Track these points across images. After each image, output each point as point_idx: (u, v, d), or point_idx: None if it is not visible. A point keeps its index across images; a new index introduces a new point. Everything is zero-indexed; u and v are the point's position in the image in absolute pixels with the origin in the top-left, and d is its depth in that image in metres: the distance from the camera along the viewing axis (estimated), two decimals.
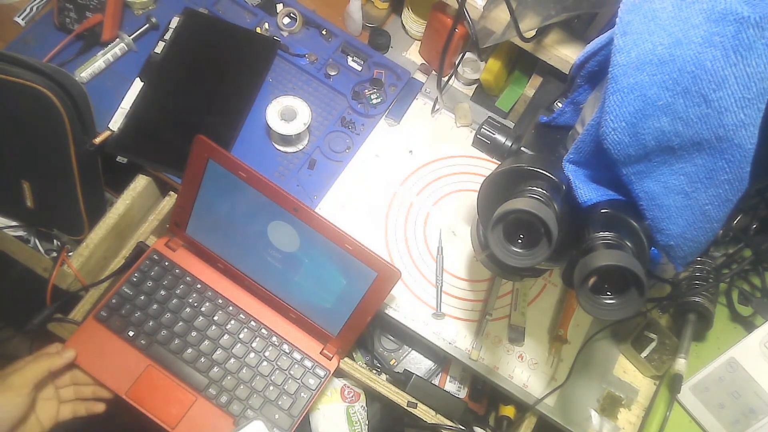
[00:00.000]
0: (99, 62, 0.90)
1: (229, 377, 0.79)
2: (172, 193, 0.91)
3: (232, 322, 0.82)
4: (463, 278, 0.88)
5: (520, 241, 0.51)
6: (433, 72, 0.99)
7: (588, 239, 0.51)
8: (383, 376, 0.89)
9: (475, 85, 0.99)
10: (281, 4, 0.99)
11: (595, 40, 0.58)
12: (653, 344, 0.84)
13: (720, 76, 0.44)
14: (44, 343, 0.76)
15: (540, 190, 0.54)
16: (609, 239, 0.50)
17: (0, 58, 0.78)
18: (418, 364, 0.97)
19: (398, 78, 0.97)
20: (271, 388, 0.80)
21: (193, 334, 0.81)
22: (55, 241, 0.90)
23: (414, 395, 0.84)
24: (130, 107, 0.88)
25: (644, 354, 0.84)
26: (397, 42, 1.02)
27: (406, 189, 0.92)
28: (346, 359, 0.85)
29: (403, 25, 1.02)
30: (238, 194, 0.77)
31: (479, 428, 0.88)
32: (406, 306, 0.85)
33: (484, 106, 0.99)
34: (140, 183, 0.89)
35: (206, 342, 0.81)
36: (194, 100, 0.91)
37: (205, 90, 0.92)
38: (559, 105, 0.65)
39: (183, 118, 0.90)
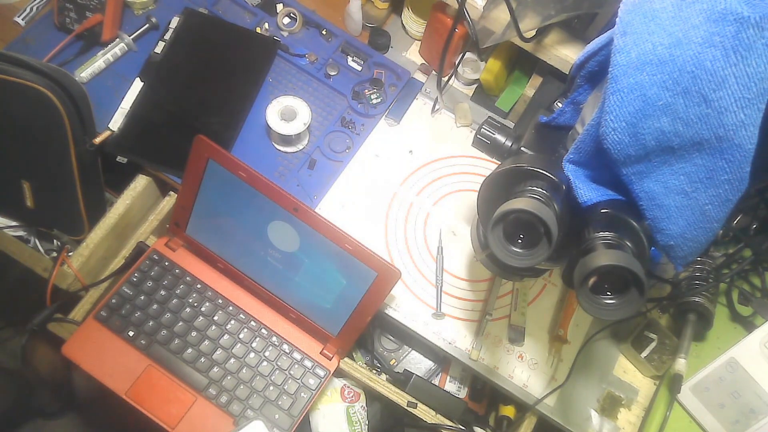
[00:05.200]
0: (99, 62, 0.90)
1: (229, 377, 0.79)
2: (172, 193, 0.91)
3: (232, 322, 0.82)
4: (463, 278, 0.88)
5: (520, 241, 0.51)
6: (433, 72, 0.99)
7: (588, 239, 0.51)
8: (383, 376, 0.89)
9: (475, 85, 0.99)
10: (281, 4, 0.99)
11: (595, 40, 0.58)
12: (653, 344, 0.84)
13: (720, 76, 0.44)
14: (44, 343, 0.76)
15: (540, 190, 0.54)
16: (609, 239, 0.50)
17: (0, 58, 0.78)
18: (418, 364, 0.97)
19: (398, 78, 0.97)
20: (271, 388, 0.80)
21: (193, 334, 0.81)
22: (55, 241, 0.90)
23: (414, 395, 0.84)
24: (130, 107, 0.88)
25: (644, 354, 0.84)
26: (397, 42, 1.02)
27: (406, 189, 0.92)
28: (346, 359, 0.84)
29: (403, 25, 1.02)
30: (238, 194, 0.77)
31: (479, 428, 0.88)
32: (406, 306, 0.85)
33: (484, 106, 0.99)
34: (140, 183, 0.89)
35: (206, 342, 0.81)
36: (194, 100, 0.91)
37: (205, 90, 0.92)
38: (559, 105, 0.65)
39: (183, 118, 0.90)
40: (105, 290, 0.87)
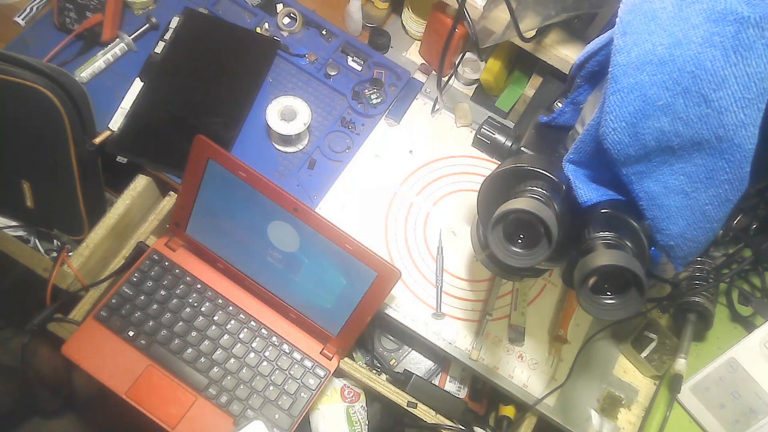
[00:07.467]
0: (99, 62, 0.90)
1: (229, 377, 0.79)
2: (172, 193, 0.91)
3: (232, 322, 0.82)
4: (463, 278, 0.88)
5: (520, 241, 0.51)
6: (433, 72, 0.99)
7: (588, 239, 0.51)
8: (383, 376, 0.89)
9: (475, 85, 0.99)
10: (281, 4, 0.99)
11: (595, 40, 0.58)
12: (653, 344, 0.84)
13: (720, 76, 0.44)
14: (44, 343, 0.76)
15: (540, 190, 0.54)
16: (609, 239, 0.50)
17: (0, 58, 0.78)
18: (418, 364, 0.97)
19: (398, 78, 0.97)
20: (271, 388, 0.80)
21: (193, 334, 0.81)
22: (55, 241, 0.90)
23: (414, 395, 0.84)
24: (130, 107, 0.88)
25: (644, 354, 0.84)
26: (397, 42, 1.02)
27: (406, 189, 0.92)
28: (346, 359, 0.84)
29: (403, 25, 1.02)
30: (238, 194, 0.77)
31: (479, 428, 0.88)
32: (406, 306, 0.85)
33: (484, 106, 0.99)
34: (140, 183, 0.89)
35: (206, 342, 0.81)
36: (194, 100, 0.91)
37: (205, 90, 0.92)
38: (559, 105, 0.65)
39: (183, 118, 0.90)
40: (105, 290, 0.87)
